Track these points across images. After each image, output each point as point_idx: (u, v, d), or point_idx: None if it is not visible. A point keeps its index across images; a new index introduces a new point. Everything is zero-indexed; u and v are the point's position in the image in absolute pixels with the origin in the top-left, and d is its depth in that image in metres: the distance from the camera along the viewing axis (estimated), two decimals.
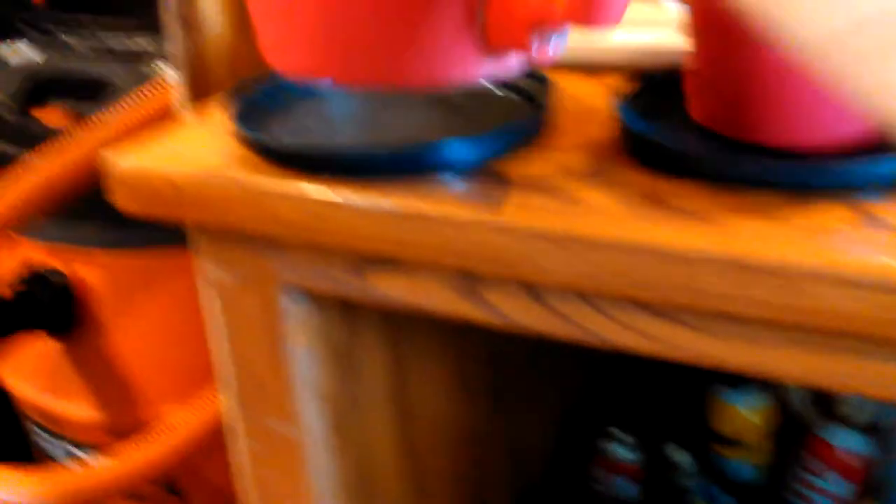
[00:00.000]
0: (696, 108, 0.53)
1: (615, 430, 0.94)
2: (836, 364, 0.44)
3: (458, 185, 0.49)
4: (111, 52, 0.97)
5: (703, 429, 0.94)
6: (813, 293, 0.41)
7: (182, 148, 0.54)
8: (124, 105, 0.84)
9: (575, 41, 0.63)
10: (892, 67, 0.36)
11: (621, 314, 0.47)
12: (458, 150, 0.50)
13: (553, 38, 0.43)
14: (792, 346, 0.45)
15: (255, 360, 0.57)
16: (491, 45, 0.44)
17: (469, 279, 0.50)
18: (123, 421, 1.03)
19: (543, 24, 0.42)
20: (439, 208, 0.47)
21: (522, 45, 0.43)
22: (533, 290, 0.49)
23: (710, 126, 0.52)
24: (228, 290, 0.56)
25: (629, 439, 0.93)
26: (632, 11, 0.66)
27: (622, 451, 0.93)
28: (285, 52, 0.48)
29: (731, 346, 0.46)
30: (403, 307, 0.52)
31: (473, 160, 0.51)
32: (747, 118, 0.50)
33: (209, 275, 0.56)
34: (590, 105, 0.57)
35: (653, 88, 0.56)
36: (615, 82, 0.59)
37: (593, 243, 0.45)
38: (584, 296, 0.48)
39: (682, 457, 0.93)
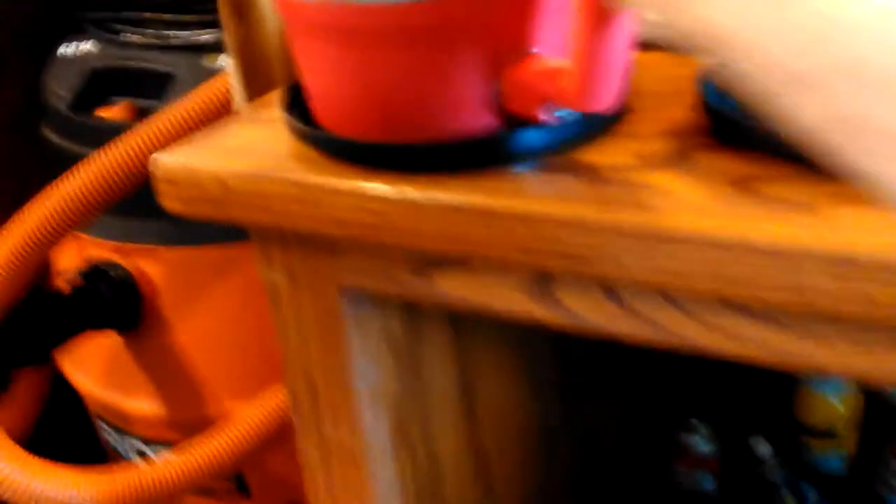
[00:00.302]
0: None
1: (694, 422, 0.89)
2: None
3: (529, 179, 0.44)
4: (174, 47, 0.94)
5: (789, 420, 0.89)
6: None
7: (235, 145, 0.50)
8: (185, 100, 0.81)
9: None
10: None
11: (710, 315, 0.42)
12: (529, 139, 0.46)
13: (559, 111, 0.46)
14: None
15: (312, 364, 0.53)
16: (506, 112, 0.46)
17: (541, 279, 0.45)
18: (190, 416, 1.01)
19: (549, 102, 0.45)
20: (509, 203, 0.43)
21: (532, 116, 0.45)
22: (611, 289, 0.44)
23: None
24: (283, 291, 0.52)
25: (709, 431, 0.89)
26: None
27: (702, 444, 0.88)
28: (333, 113, 0.49)
29: (835, 350, 0.41)
30: (471, 309, 0.47)
31: (546, 150, 0.46)
32: None
33: (262, 276, 0.52)
34: (672, 84, 0.52)
35: None
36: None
37: (679, 238, 0.40)
38: (668, 295, 0.43)
39: (766, 449, 0.88)
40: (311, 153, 0.48)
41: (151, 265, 0.95)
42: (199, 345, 0.98)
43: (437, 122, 0.46)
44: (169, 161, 0.49)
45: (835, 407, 0.86)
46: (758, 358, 0.43)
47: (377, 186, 0.45)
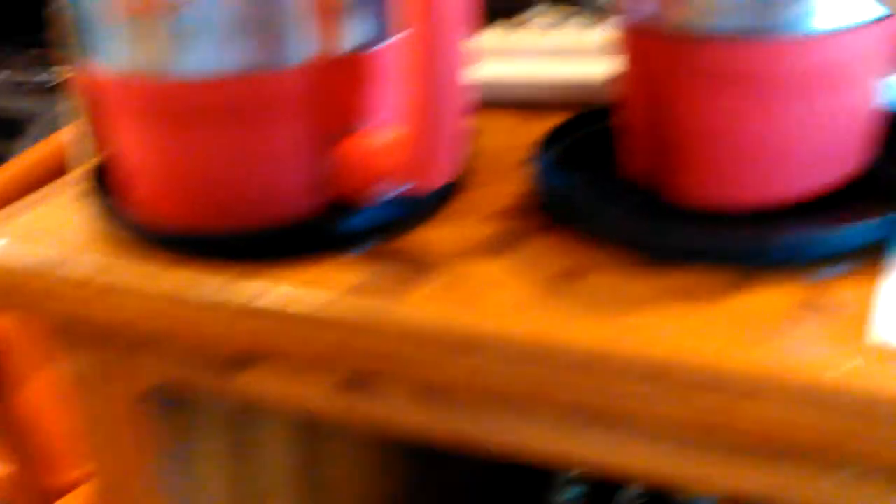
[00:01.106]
0: (626, 160, 0.46)
1: (564, 475, 0.87)
2: (777, 478, 0.37)
3: (342, 271, 0.40)
4: (34, 88, 0.90)
5: None
6: (751, 407, 0.34)
7: (33, 226, 0.45)
8: (29, 152, 0.77)
9: (494, 74, 0.56)
10: None
11: (524, 422, 0.40)
12: (349, 224, 0.42)
13: (396, 188, 0.43)
14: (728, 458, 0.37)
15: (113, 466, 0.49)
16: (337, 193, 0.43)
17: (350, 380, 0.41)
18: (39, 481, 0.96)
19: (384, 180, 0.42)
20: (308, 301, 0.39)
21: (365, 196, 0.43)
22: (424, 393, 0.41)
23: (641, 182, 0.45)
24: (79, 388, 0.47)
25: (579, 484, 0.87)
26: (562, 38, 0.58)
27: (571, 497, 0.87)
28: (140, 192, 0.45)
29: (650, 452, 0.39)
30: (277, 406, 0.44)
31: (370, 234, 0.43)
32: (683, 177, 0.43)
33: (58, 370, 0.47)
34: (513, 153, 0.49)
35: (580, 133, 0.48)
36: (543, 122, 0.51)
37: (488, 345, 0.37)
38: (482, 400, 0.40)
39: (633, 492, 0.86)
40: (120, 236, 0.43)
41: (5, 321, 0.91)
42: (52, 406, 0.94)
43: (257, 208, 0.42)
44: None
45: None
46: (581, 464, 0.40)
47: (165, 284, 0.40)
